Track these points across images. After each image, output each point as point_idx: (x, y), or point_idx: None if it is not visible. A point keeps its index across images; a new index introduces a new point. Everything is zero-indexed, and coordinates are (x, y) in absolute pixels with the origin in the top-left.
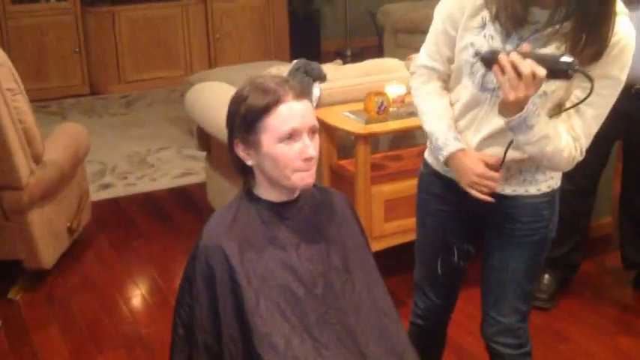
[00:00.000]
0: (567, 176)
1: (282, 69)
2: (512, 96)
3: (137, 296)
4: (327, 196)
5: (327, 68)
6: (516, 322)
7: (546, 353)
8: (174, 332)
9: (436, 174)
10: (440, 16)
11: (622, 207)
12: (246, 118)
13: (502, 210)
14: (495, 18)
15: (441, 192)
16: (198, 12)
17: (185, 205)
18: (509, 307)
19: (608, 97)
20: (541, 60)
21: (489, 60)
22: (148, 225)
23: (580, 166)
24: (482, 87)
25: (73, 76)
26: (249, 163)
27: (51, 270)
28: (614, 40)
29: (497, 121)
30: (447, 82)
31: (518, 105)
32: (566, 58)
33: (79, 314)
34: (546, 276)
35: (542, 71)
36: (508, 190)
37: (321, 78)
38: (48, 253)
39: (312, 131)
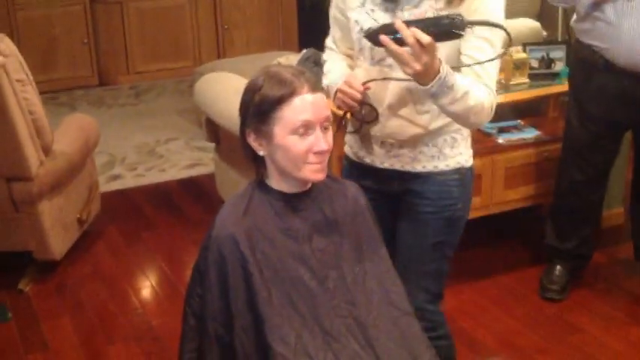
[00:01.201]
0: (577, 166)
1: (291, 59)
2: (408, 70)
3: (147, 287)
4: (340, 186)
5: None
6: (424, 302)
7: (558, 344)
8: (184, 322)
9: (351, 162)
10: (332, 3)
11: (633, 197)
12: (260, 107)
13: (413, 188)
14: None
15: (358, 179)
16: (206, 2)
17: (194, 196)
18: (416, 286)
19: (493, 38)
20: (425, 24)
21: (373, 39)
22: (157, 216)
23: (590, 155)
24: (373, 60)
25: (82, 66)
26: (261, 153)
27: (61, 261)
28: None
29: (392, 91)
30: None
31: (427, 73)
32: (449, 18)
33: (89, 305)
34: (558, 267)
35: (425, 38)
36: (419, 167)
37: None
38: (58, 243)
39: (325, 124)
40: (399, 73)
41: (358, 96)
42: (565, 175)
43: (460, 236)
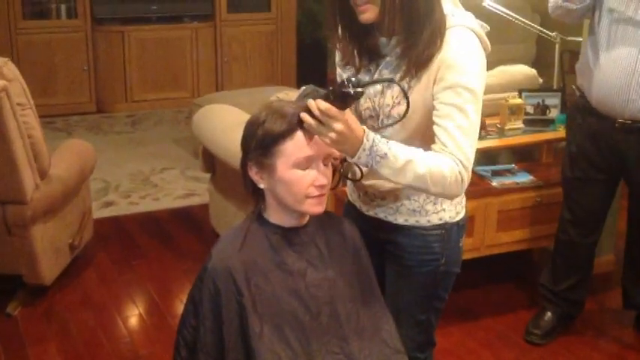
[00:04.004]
0: (567, 205)
1: (290, 94)
2: (327, 140)
3: (135, 316)
4: (337, 223)
5: None
6: (412, 350)
7: None
8: (176, 353)
9: (348, 201)
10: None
11: (627, 247)
12: (263, 141)
13: (396, 239)
14: (348, 60)
15: (353, 219)
16: (207, 35)
17: (187, 226)
18: (404, 335)
19: (463, 105)
20: (327, 93)
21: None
22: (149, 245)
23: (577, 196)
24: (358, 115)
25: (80, 93)
26: (261, 186)
27: (50, 286)
28: (442, 52)
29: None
30: None
31: (349, 142)
32: (344, 81)
33: (77, 331)
34: (548, 313)
35: (323, 104)
36: (400, 220)
37: None
38: (48, 268)
39: (326, 158)
40: (384, 132)
41: (337, 153)
42: (561, 214)
43: (449, 289)
